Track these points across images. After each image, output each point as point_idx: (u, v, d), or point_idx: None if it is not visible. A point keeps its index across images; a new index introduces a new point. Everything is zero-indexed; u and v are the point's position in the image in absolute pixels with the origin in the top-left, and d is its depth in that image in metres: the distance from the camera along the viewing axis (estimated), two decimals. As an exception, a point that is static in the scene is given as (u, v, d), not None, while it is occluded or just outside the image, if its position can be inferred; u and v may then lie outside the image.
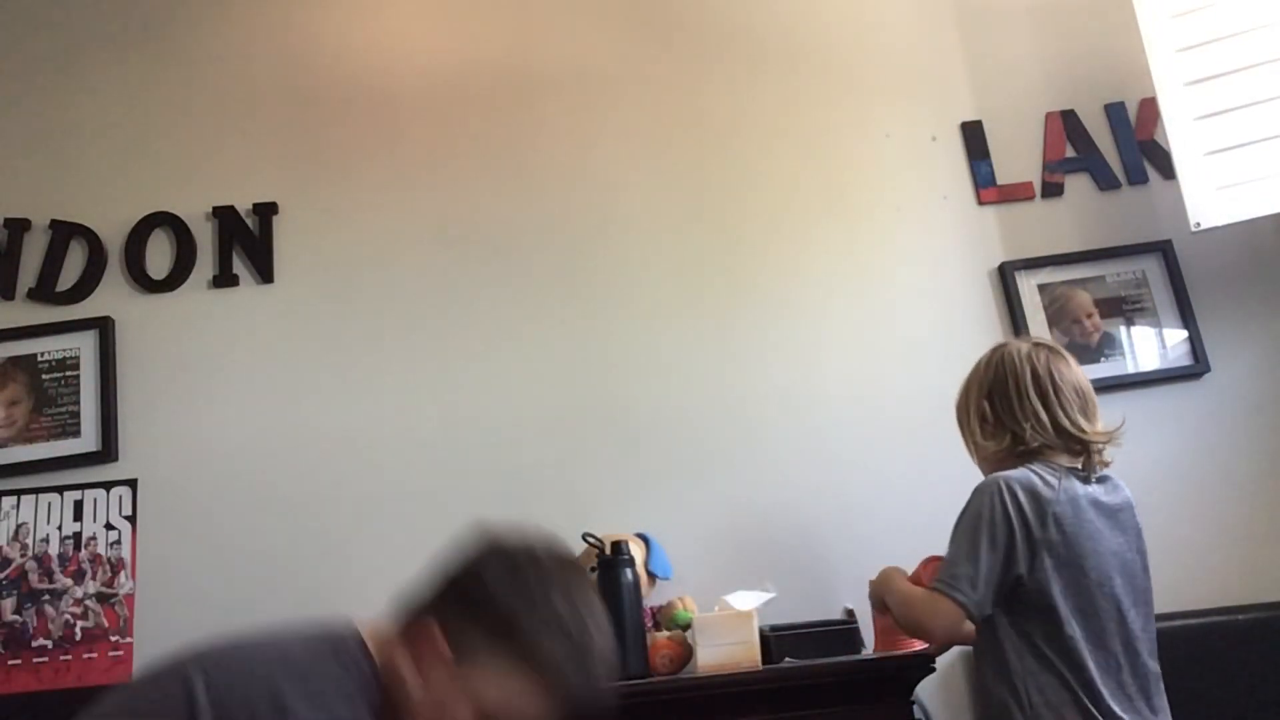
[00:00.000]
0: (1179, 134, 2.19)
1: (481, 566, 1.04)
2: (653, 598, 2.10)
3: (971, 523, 1.50)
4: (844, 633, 1.89)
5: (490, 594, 1.01)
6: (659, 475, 2.25)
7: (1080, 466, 1.56)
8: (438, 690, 0.98)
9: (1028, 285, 2.35)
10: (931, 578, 1.61)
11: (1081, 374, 1.62)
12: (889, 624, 1.81)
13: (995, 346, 1.68)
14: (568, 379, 2.32)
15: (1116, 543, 1.52)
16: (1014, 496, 1.48)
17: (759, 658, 1.75)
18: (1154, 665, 1.50)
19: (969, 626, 1.48)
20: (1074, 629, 1.45)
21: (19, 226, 2.43)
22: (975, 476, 1.96)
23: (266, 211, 2.43)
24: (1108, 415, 1.59)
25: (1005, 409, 1.59)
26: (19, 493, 2.26)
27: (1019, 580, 1.47)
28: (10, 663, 2.16)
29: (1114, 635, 1.46)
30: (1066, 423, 1.55)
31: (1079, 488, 1.53)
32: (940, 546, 1.74)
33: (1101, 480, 1.57)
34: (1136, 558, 1.54)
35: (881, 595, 1.69)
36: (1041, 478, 1.51)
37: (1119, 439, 1.58)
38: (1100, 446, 1.57)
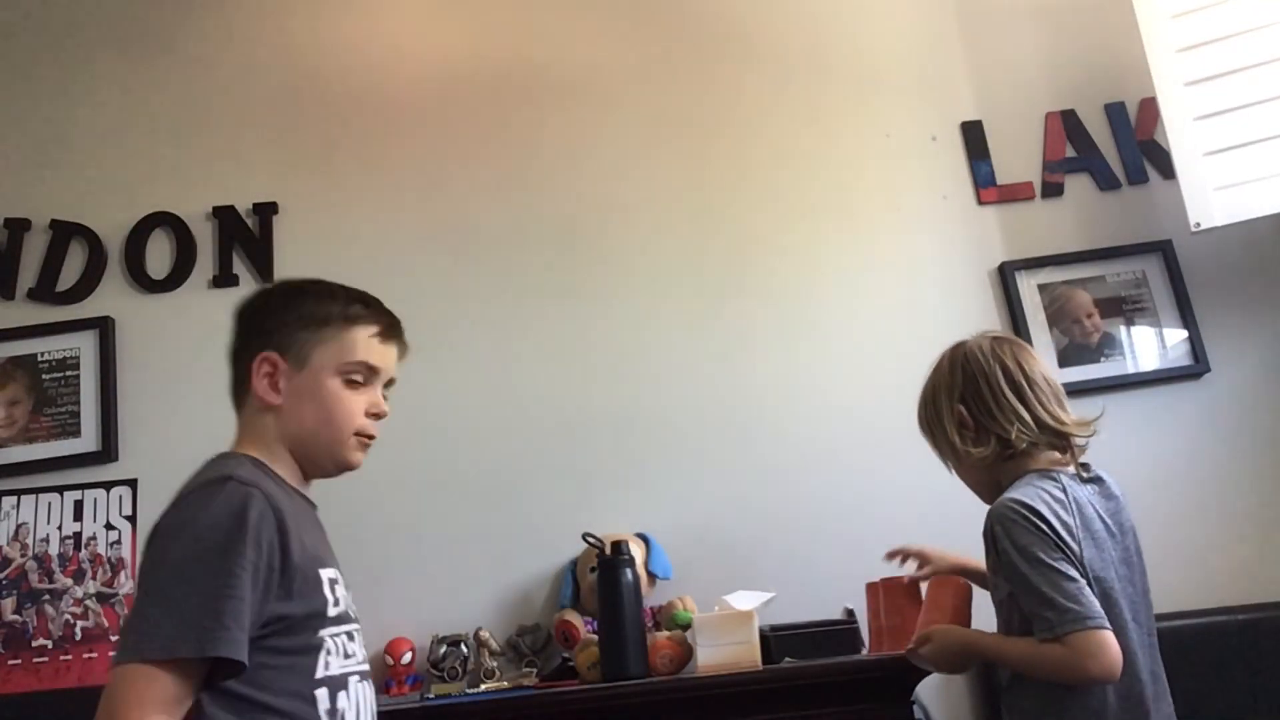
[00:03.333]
0: (1179, 134, 2.19)
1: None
2: (653, 598, 2.10)
3: (1026, 554, 1.37)
4: (844, 633, 1.89)
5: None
6: (659, 475, 2.25)
7: (1067, 463, 1.50)
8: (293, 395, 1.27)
9: (1028, 285, 2.35)
10: (954, 596, 1.58)
11: (1046, 364, 1.55)
12: (882, 625, 1.81)
13: (953, 346, 1.59)
14: (568, 379, 2.32)
15: (1118, 552, 1.46)
16: (1037, 513, 1.39)
17: (759, 658, 1.75)
18: (1160, 672, 1.44)
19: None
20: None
21: (19, 226, 2.43)
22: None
23: (266, 211, 2.43)
24: (1106, 415, 1.53)
25: (983, 412, 1.50)
26: (19, 493, 2.26)
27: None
28: (10, 663, 2.16)
29: (1137, 647, 1.39)
30: (1047, 417, 1.48)
31: (1083, 494, 1.47)
32: (939, 545, 1.75)
33: (1094, 481, 1.51)
34: (1136, 560, 1.48)
35: (965, 657, 1.53)
36: (1049, 492, 1.44)
37: (1096, 428, 1.51)
38: (1080, 438, 1.50)
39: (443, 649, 2.04)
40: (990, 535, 1.44)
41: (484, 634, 2.05)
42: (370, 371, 1.31)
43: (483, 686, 1.95)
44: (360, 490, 2.25)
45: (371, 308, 1.33)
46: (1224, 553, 2.16)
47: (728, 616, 1.79)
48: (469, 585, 2.18)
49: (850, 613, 2.00)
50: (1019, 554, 1.38)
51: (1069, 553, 1.38)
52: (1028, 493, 1.43)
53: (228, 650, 1.05)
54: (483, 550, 2.22)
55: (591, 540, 1.93)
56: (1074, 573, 1.36)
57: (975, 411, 1.51)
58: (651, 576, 2.10)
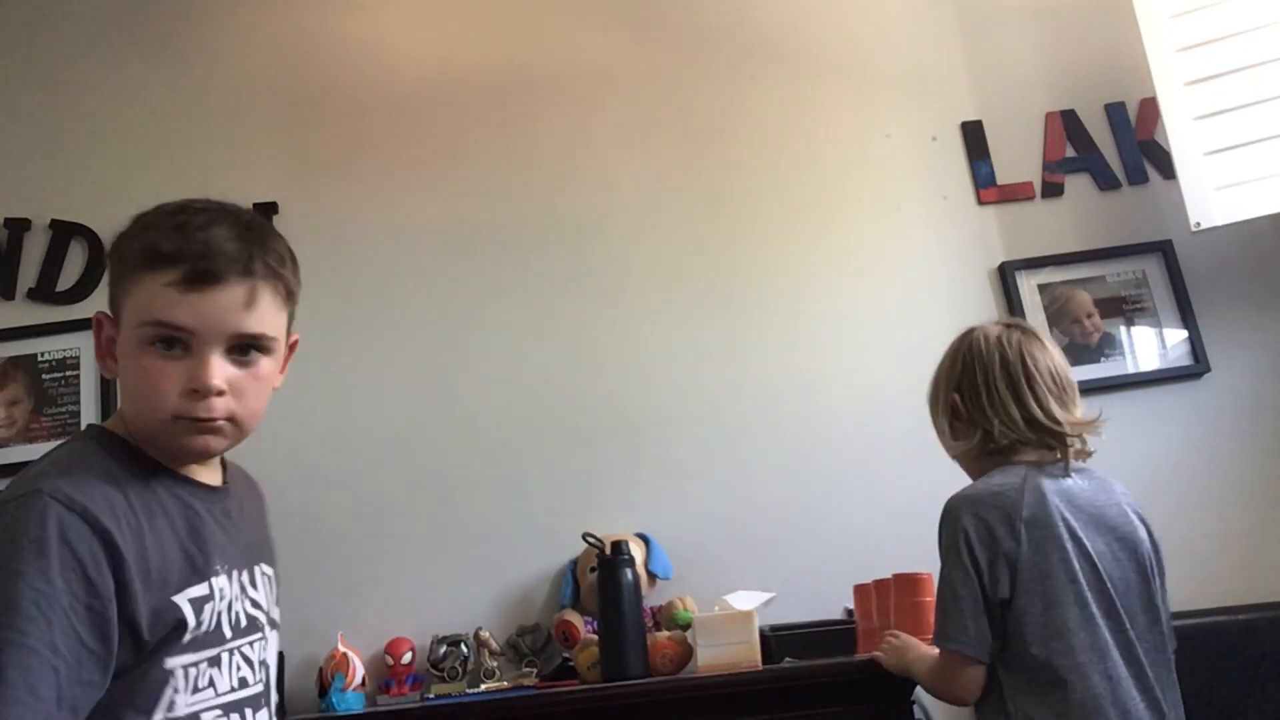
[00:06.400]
0: (1179, 134, 2.19)
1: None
2: (653, 598, 2.10)
3: (943, 558, 1.43)
4: (844, 633, 1.89)
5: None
6: (659, 475, 2.25)
7: (1056, 459, 1.45)
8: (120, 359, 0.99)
9: (1028, 285, 2.35)
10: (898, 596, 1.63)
11: (1059, 357, 1.50)
12: (873, 627, 1.81)
13: (964, 332, 1.55)
14: (568, 378, 2.32)
15: (1099, 545, 1.40)
16: (975, 518, 1.39)
17: (759, 658, 1.75)
18: (1166, 675, 1.40)
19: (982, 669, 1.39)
20: (1066, 654, 1.34)
21: (19, 226, 2.43)
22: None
23: (266, 211, 2.42)
24: (1105, 416, 1.49)
25: (974, 404, 1.48)
26: (19, 493, 2.26)
27: (1004, 604, 1.38)
28: (10, 663, 2.15)
29: (1112, 647, 1.36)
30: (1040, 414, 1.43)
31: (1049, 488, 1.41)
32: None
33: (1087, 478, 1.47)
34: (1129, 559, 1.42)
35: (901, 670, 1.59)
36: (996, 490, 1.42)
37: (1098, 429, 1.47)
38: (1076, 437, 1.45)
39: (443, 649, 2.04)
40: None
41: (484, 634, 2.05)
42: (179, 332, 0.94)
43: (483, 686, 1.95)
44: (359, 489, 2.25)
45: (182, 237, 0.95)
46: (1224, 553, 2.16)
47: (728, 616, 1.79)
48: (469, 585, 2.18)
49: (850, 613, 2.00)
50: (941, 552, 1.44)
51: (986, 562, 1.37)
52: (981, 487, 1.44)
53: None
54: (483, 550, 2.21)
55: (591, 540, 1.93)
56: (972, 592, 1.37)
57: (967, 402, 1.50)
58: (651, 576, 2.10)
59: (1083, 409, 1.48)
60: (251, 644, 1.03)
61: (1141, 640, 1.39)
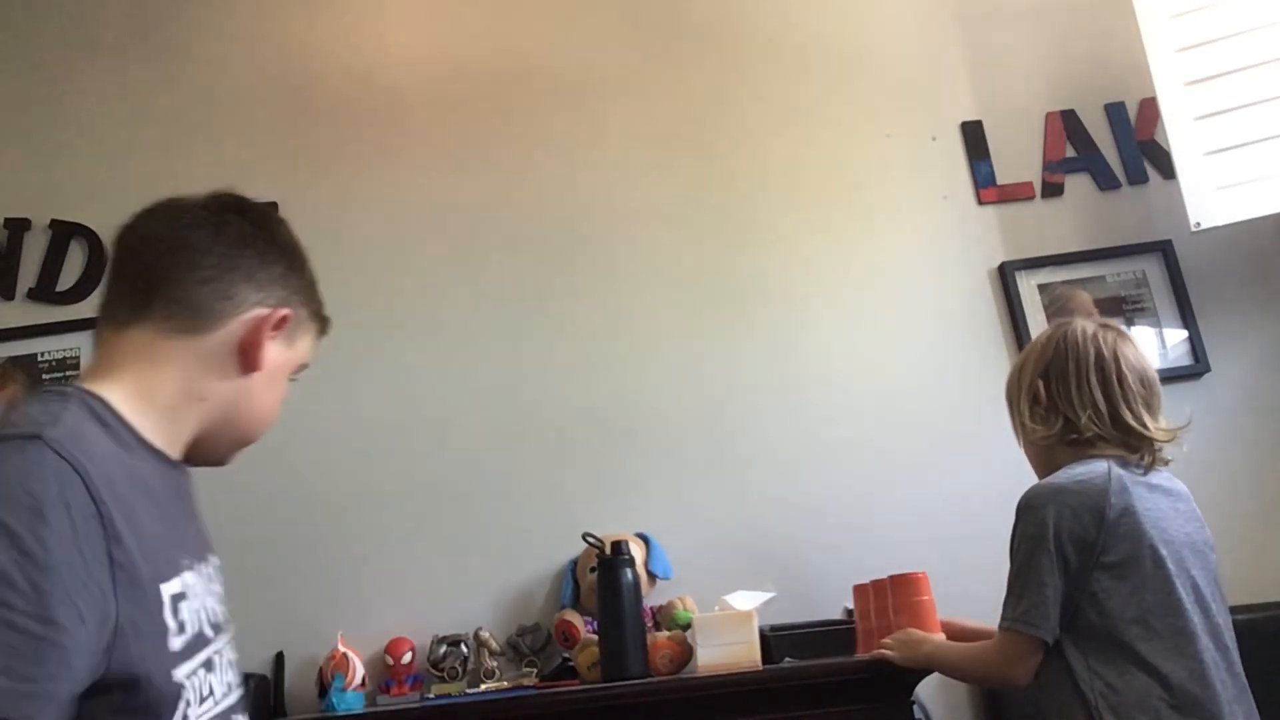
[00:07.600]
0: (1179, 134, 2.19)
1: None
2: (653, 598, 2.10)
3: (1028, 547, 1.40)
4: (844, 633, 1.89)
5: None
6: (658, 475, 2.25)
7: (1138, 462, 1.46)
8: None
9: (1028, 285, 2.35)
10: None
11: (1148, 362, 1.50)
12: (872, 627, 1.81)
13: (1059, 323, 1.55)
14: (568, 379, 2.32)
15: (1184, 530, 1.43)
16: (1064, 507, 1.39)
17: (759, 658, 1.75)
18: (1233, 659, 1.41)
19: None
20: (1150, 638, 1.36)
21: (19, 226, 2.43)
22: (977, 473, 1.97)
23: (266, 211, 2.43)
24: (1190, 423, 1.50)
25: (1061, 392, 1.48)
26: (19, 493, 2.26)
27: (1086, 597, 1.38)
28: (10, 663, 2.15)
29: (1200, 632, 1.37)
30: (1128, 415, 1.44)
31: (1131, 480, 1.42)
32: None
33: (1161, 478, 1.48)
34: (1206, 547, 1.46)
35: (920, 662, 1.60)
36: (1084, 478, 1.42)
37: (1181, 438, 1.48)
38: (1161, 445, 1.47)
39: (443, 649, 2.04)
40: (1015, 516, 1.46)
41: (484, 634, 2.05)
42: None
43: (483, 686, 1.95)
44: (360, 489, 2.25)
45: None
46: (1224, 553, 2.13)
47: (728, 616, 1.79)
48: (469, 585, 2.18)
49: (850, 613, 2.00)
50: (1025, 540, 1.41)
51: (1077, 553, 1.38)
52: (1067, 477, 1.43)
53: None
54: (483, 550, 2.21)
55: (591, 540, 1.92)
56: (1057, 584, 1.38)
57: (1053, 389, 1.49)
58: (651, 576, 2.10)
59: (1165, 419, 1.49)
60: (228, 644, 0.95)
61: (1226, 628, 1.42)
